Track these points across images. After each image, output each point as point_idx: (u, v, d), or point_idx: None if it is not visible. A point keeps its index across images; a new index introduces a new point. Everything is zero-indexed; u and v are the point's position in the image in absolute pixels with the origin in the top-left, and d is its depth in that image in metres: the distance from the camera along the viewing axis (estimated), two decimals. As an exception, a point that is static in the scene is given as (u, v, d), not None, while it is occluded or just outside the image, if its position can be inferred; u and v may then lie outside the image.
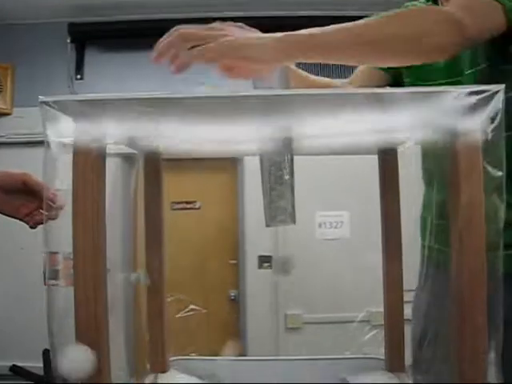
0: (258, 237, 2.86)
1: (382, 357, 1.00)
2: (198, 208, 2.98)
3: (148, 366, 0.95)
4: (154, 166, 1.00)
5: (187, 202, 2.96)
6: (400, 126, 0.72)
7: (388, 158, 0.99)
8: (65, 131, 0.65)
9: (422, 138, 0.80)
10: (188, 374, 0.97)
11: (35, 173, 0.90)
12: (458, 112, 0.54)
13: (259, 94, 0.55)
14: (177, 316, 1.07)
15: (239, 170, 2.97)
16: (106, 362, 0.64)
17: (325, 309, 2.76)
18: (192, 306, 1.10)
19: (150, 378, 0.93)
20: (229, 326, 2.89)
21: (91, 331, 0.62)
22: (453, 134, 0.59)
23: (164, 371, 0.96)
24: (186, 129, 0.79)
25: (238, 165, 2.97)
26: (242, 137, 0.82)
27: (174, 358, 1.01)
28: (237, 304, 2.97)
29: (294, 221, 0.71)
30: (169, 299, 0.99)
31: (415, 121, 0.63)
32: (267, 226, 0.71)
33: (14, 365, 2.74)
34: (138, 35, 3.40)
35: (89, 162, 0.64)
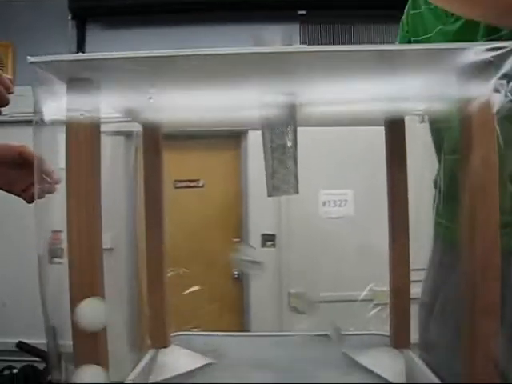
0: (261, 215, 2.84)
1: (387, 333, 0.98)
2: (202, 186, 2.96)
3: (149, 342, 0.94)
4: (154, 139, 0.97)
5: (190, 181, 2.94)
6: (409, 89, 0.69)
7: (395, 128, 0.96)
8: (57, 98, 0.62)
9: (433, 102, 0.77)
10: (189, 349, 0.96)
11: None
12: (472, 71, 0.51)
13: (260, 52, 0.51)
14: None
15: (243, 148, 2.93)
16: (103, 341, 0.61)
17: (328, 287, 2.76)
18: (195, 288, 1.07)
19: (150, 354, 0.92)
20: (232, 305, 2.90)
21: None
22: (465, 95, 0.56)
23: (165, 346, 0.95)
24: (186, 95, 0.76)
25: (241, 143, 2.94)
26: (244, 104, 0.79)
27: (176, 333, 1.00)
28: (240, 282, 2.97)
29: (296, 191, 0.68)
30: (169, 274, 0.97)
31: (426, 83, 0.60)
32: (269, 196, 0.69)
33: (20, 341, 2.77)
34: (142, 12, 3.33)
35: (83, 131, 0.61)
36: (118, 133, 2.64)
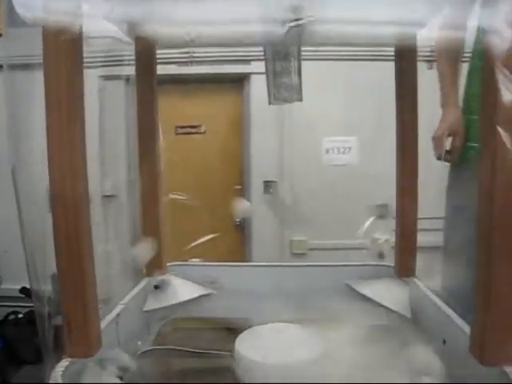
0: (263, 162, 2.78)
1: (391, 264, 0.95)
2: (203, 132, 2.88)
3: (144, 271, 0.91)
4: (147, 57, 0.90)
5: (192, 127, 2.86)
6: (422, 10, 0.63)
7: (406, 50, 0.89)
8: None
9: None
10: (186, 279, 0.93)
11: (28, 96, 0.78)
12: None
13: None
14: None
15: (245, 93, 2.84)
16: (93, 303, 0.57)
17: (330, 235, 2.73)
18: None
19: (145, 281, 0.89)
20: (234, 252, 2.89)
21: (73, 255, 0.55)
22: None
23: (161, 275, 0.92)
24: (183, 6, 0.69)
25: (243, 88, 2.85)
26: (244, 15, 0.72)
27: (173, 263, 0.97)
28: (242, 229, 2.95)
29: (300, 98, 0.63)
30: (166, 198, 0.94)
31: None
32: (270, 103, 0.63)
33: (23, 287, 2.78)
34: None
35: (62, 36, 0.54)
36: (117, 77, 2.55)
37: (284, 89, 0.62)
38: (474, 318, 0.57)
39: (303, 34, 0.67)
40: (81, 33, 0.56)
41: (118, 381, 0.56)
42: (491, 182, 0.53)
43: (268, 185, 2.82)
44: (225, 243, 2.78)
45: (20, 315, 2.86)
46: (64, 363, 0.53)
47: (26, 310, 2.85)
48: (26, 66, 0.66)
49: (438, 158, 1.19)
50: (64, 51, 0.54)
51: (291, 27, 0.57)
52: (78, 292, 0.54)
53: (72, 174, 0.55)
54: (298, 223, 2.80)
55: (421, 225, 1.00)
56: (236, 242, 2.91)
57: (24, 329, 2.69)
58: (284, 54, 0.63)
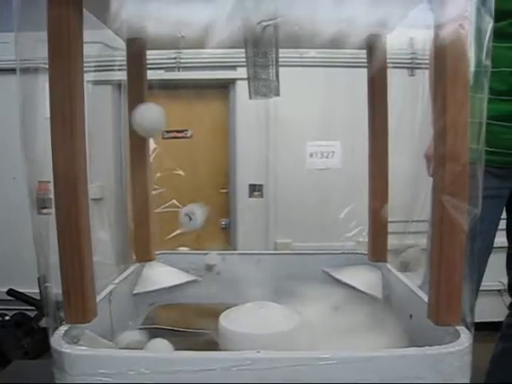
0: (248, 165, 2.84)
1: (365, 252, 1.02)
2: (190, 137, 2.95)
3: (134, 257, 0.97)
4: (138, 55, 0.96)
5: (178, 131, 2.92)
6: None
7: (376, 53, 0.96)
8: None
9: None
10: (171, 265, 0.99)
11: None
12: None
13: None
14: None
15: (231, 98, 2.91)
16: (89, 275, 0.63)
17: (314, 238, 2.80)
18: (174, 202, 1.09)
19: (135, 266, 0.95)
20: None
21: (72, 229, 0.60)
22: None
23: (150, 261, 0.98)
24: (168, 10, 0.76)
25: (229, 93, 2.91)
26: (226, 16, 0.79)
27: (161, 251, 1.02)
28: (227, 232, 3.00)
29: (277, 93, 0.69)
30: (154, 192, 1.00)
31: None
32: (250, 98, 0.70)
33: (10, 289, 2.79)
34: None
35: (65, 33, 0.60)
36: (105, 82, 2.59)
37: (262, 85, 0.69)
38: (429, 290, 0.65)
39: (279, 33, 0.74)
40: (81, 32, 0.63)
41: (112, 345, 0.61)
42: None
43: (253, 188, 2.88)
44: (210, 245, 2.81)
45: (7, 317, 2.86)
46: (64, 327, 0.58)
47: (13, 312, 2.86)
48: (35, 70, 0.71)
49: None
50: (67, 48, 0.60)
51: (267, 26, 0.64)
52: (76, 263, 0.60)
53: (72, 157, 0.61)
54: (282, 226, 2.86)
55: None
56: (221, 244, 2.96)
57: (11, 331, 2.70)
58: (263, 53, 0.70)
